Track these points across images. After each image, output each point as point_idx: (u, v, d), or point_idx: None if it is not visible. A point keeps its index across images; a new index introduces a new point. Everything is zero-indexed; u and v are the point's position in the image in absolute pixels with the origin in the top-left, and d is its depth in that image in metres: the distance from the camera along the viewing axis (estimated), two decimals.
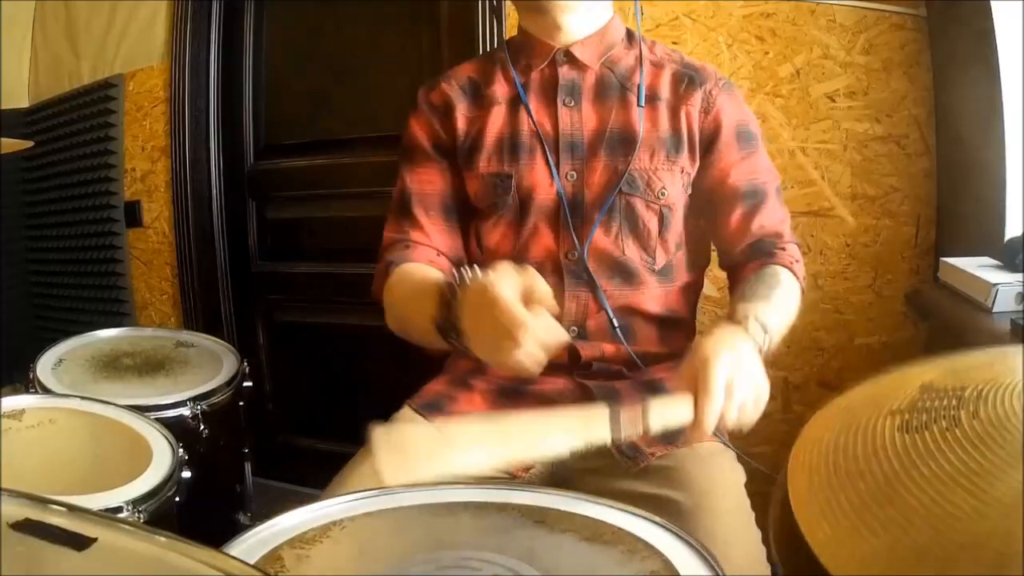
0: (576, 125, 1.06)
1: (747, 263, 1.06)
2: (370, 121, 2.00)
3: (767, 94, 1.56)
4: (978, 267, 1.20)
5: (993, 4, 1.29)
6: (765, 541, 0.90)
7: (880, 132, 1.53)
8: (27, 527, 0.48)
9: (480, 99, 1.10)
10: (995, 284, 1.11)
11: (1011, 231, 1.30)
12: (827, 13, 1.52)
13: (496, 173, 1.07)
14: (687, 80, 1.06)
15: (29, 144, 1.35)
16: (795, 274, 1.04)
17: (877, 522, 0.39)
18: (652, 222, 1.05)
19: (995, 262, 1.22)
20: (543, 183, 1.05)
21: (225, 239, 2.24)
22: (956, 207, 1.49)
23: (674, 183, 1.05)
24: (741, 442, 1.03)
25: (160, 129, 2.24)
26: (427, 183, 1.11)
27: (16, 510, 0.49)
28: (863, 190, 1.55)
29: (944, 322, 1.29)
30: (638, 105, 1.05)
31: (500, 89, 1.09)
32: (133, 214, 2.34)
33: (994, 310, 1.11)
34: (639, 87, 1.05)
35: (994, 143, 1.32)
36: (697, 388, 0.80)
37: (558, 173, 1.05)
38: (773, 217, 1.07)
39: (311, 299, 2.15)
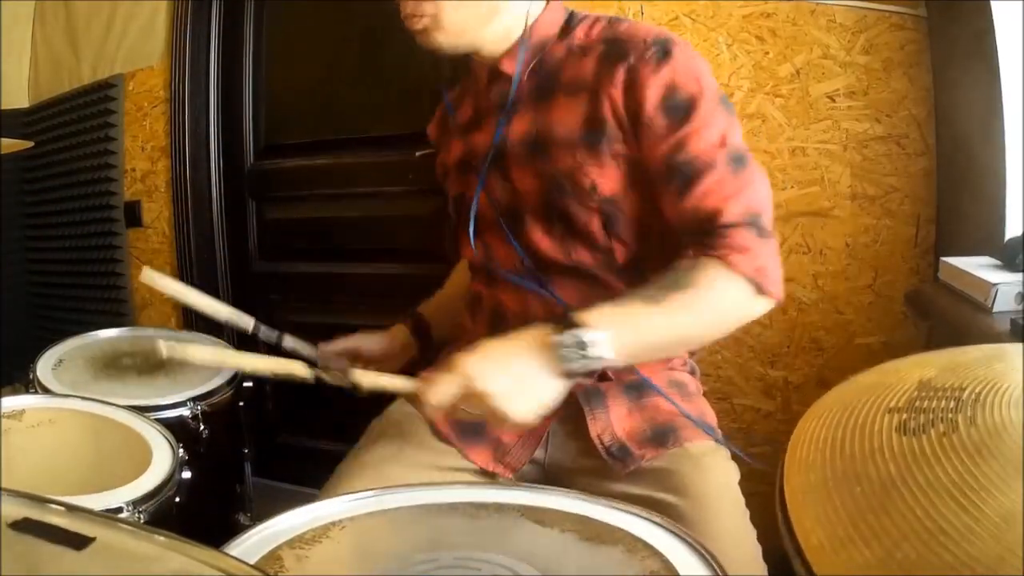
0: (504, 138, 1.02)
1: (685, 251, 0.92)
2: (370, 121, 2.01)
3: (767, 94, 1.56)
4: (978, 267, 1.20)
5: (993, 4, 1.29)
6: (761, 539, 0.90)
7: (880, 132, 1.53)
8: (27, 527, 0.48)
9: (449, 130, 1.16)
10: (995, 284, 1.11)
11: (1011, 231, 1.30)
12: (827, 13, 1.52)
13: (455, 196, 1.11)
14: (610, 59, 0.95)
15: (29, 144, 1.35)
16: (732, 265, 0.88)
17: (871, 532, 0.39)
18: (594, 221, 0.97)
19: (995, 262, 1.22)
20: (483, 198, 1.05)
21: (225, 239, 2.24)
22: (956, 207, 1.49)
23: (607, 175, 0.96)
24: (741, 442, 1.03)
25: (160, 129, 2.24)
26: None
27: (16, 510, 0.49)
28: (863, 190, 1.55)
29: (944, 322, 1.29)
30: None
31: (461, 115, 1.12)
32: (133, 214, 2.34)
33: (994, 310, 1.11)
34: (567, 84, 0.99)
35: (994, 143, 1.32)
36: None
37: (492, 187, 1.04)
38: (711, 195, 0.91)
39: (311, 299, 2.15)
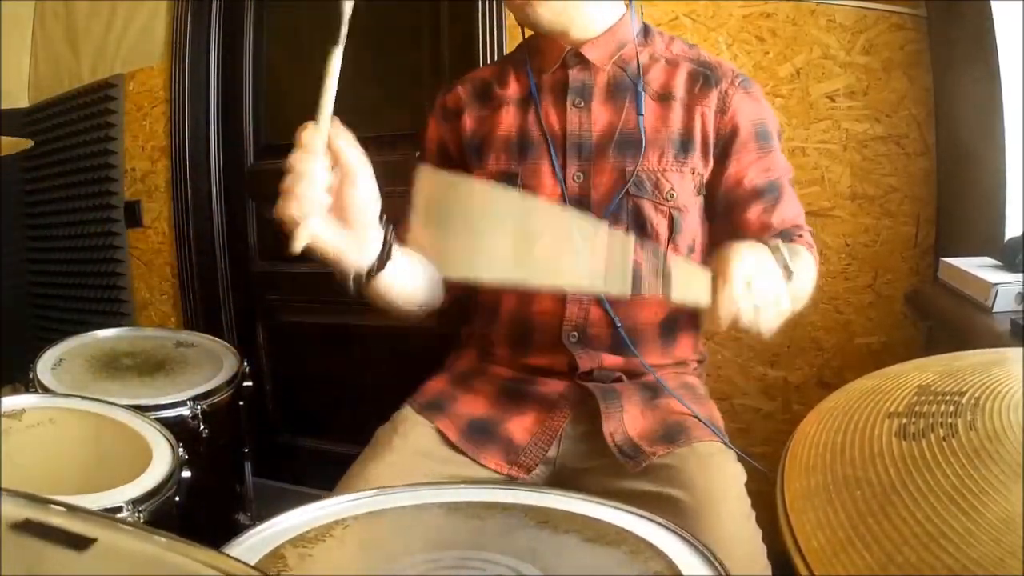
0: (584, 126, 1.04)
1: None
2: (370, 121, 2.00)
3: (767, 94, 1.55)
4: (978, 267, 1.20)
5: (993, 4, 1.29)
6: (765, 540, 0.90)
7: (880, 132, 1.53)
8: (27, 527, 0.48)
9: (491, 100, 1.11)
10: (995, 284, 1.11)
11: (1011, 231, 1.30)
12: (827, 13, 1.52)
13: (503, 171, 1.07)
14: (702, 79, 1.04)
15: (28, 144, 1.34)
16: (814, 258, 1.03)
17: (872, 536, 0.39)
18: (661, 225, 1.03)
19: (995, 262, 1.22)
20: (548, 183, 1.05)
21: (225, 239, 2.24)
22: (956, 207, 1.49)
23: (684, 184, 1.03)
24: (741, 442, 1.03)
25: (160, 129, 2.24)
26: None
27: (16, 510, 0.49)
28: (863, 190, 1.55)
29: (944, 322, 1.29)
30: (638, 103, 1.02)
31: (512, 89, 1.10)
32: (133, 214, 2.34)
33: (994, 310, 1.11)
34: (642, 86, 1.04)
35: (994, 143, 1.32)
36: (718, 275, 0.81)
37: (564, 174, 1.04)
38: (791, 211, 1.06)
39: (311, 299, 2.15)
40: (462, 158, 1.13)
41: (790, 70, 1.55)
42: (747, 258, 0.82)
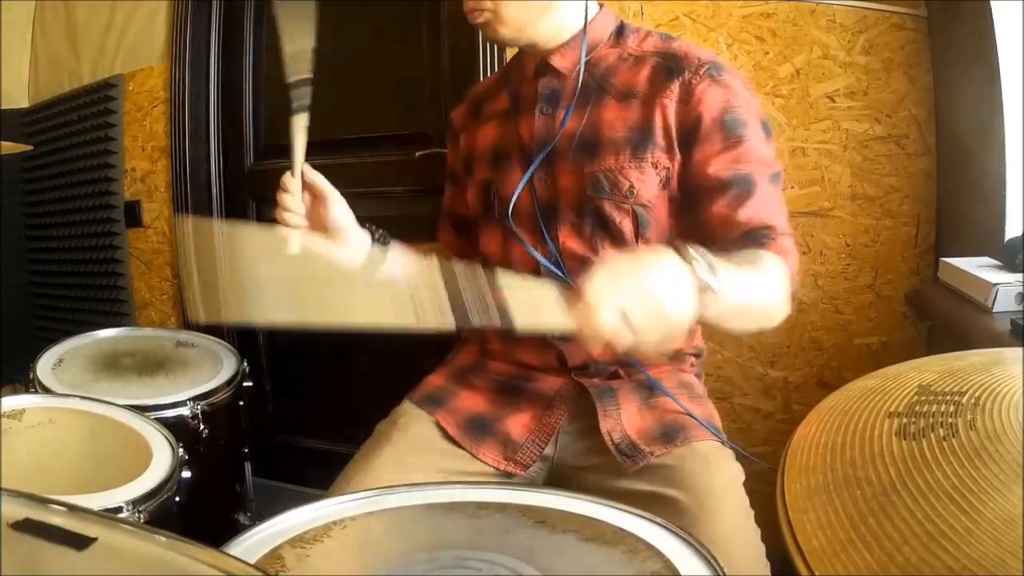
0: (550, 132, 1.05)
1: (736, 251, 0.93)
2: (370, 121, 2.00)
3: (767, 94, 1.56)
4: (978, 267, 1.20)
5: (993, 3, 1.29)
6: (764, 539, 0.90)
7: (880, 132, 1.53)
8: (27, 527, 0.48)
9: (481, 115, 1.17)
10: (995, 284, 1.11)
11: (1011, 231, 1.30)
12: (827, 13, 1.52)
13: (484, 180, 1.13)
14: (665, 72, 1.01)
15: (28, 148, 1.34)
16: (786, 265, 0.92)
17: (872, 535, 0.39)
18: (625, 223, 1.02)
19: (995, 262, 1.22)
20: (523, 190, 1.07)
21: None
22: (956, 207, 1.49)
23: (645, 181, 1.00)
24: (741, 442, 1.03)
25: (160, 129, 2.24)
26: (447, 199, 1.27)
27: (16, 510, 0.49)
28: (863, 190, 1.55)
29: (944, 322, 1.29)
30: (567, 112, 1.03)
31: (499, 103, 1.14)
32: (133, 214, 2.34)
33: (994, 310, 1.11)
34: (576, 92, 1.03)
35: (994, 143, 1.32)
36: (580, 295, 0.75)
37: (531, 179, 1.06)
38: (763, 209, 0.97)
39: None
40: (461, 172, 1.19)
41: (790, 70, 1.55)
42: (614, 275, 0.74)
